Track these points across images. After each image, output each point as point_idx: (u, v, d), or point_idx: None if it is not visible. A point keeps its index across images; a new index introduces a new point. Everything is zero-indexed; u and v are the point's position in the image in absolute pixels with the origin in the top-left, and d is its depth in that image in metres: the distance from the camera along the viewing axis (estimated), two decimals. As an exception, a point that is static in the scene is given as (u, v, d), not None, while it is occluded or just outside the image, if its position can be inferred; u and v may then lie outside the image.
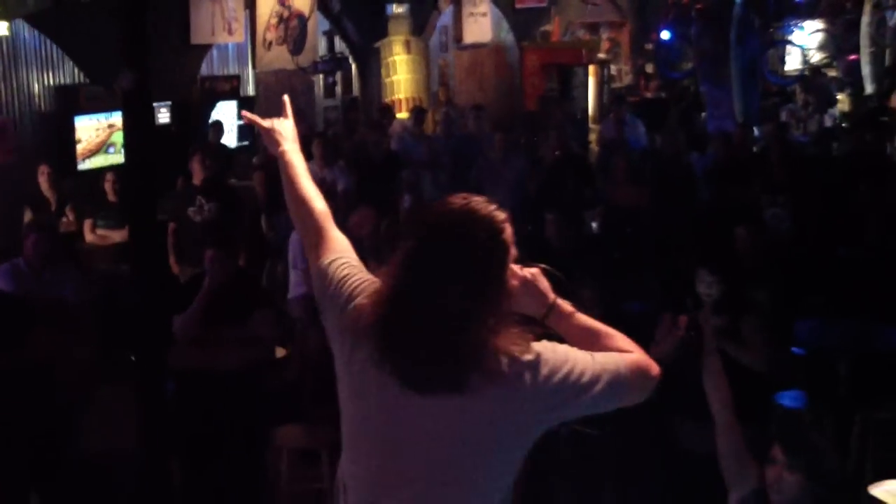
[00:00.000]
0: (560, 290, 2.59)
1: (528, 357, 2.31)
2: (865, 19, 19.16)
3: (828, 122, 16.82)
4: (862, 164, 11.05)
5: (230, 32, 13.44)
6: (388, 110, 14.27)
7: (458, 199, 2.41)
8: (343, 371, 2.49)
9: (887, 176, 10.58)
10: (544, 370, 2.32)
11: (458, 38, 18.36)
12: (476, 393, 2.27)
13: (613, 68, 21.52)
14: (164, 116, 12.17)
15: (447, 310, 2.27)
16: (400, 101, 16.31)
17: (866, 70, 19.26)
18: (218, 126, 12.45)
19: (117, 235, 9.53)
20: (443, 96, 16.71)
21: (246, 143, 13.36)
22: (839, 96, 18.89)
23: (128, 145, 6.00)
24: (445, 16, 18.00)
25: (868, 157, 11.68)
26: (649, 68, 21.13)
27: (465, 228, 2.34)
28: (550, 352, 2.36)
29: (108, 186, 10.10)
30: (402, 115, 15.21)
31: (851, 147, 12.22)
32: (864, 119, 15.10)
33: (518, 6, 19.43)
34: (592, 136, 16.53)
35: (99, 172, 10.74)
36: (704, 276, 5.95)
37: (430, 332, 2.27)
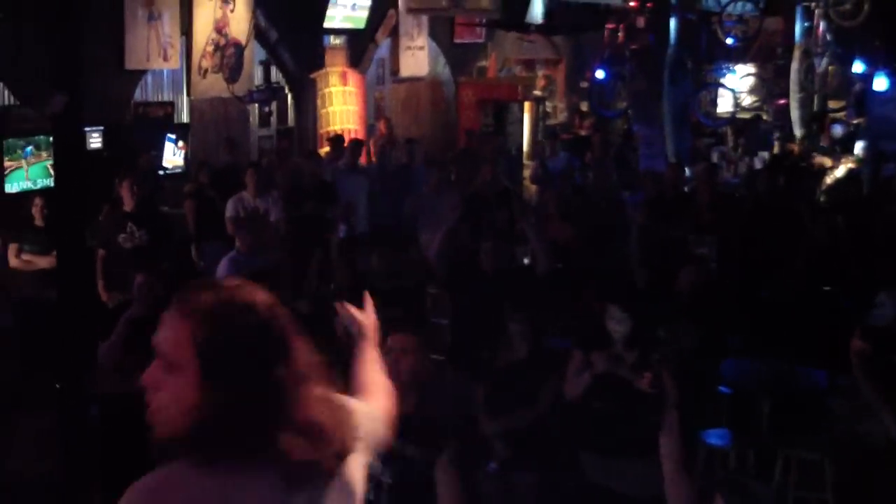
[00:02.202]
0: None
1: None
2: (795, 65, 19.57)
3: (758, 165, 17.12)
4: (777, 208, 11.29)
5: (165, 58, 13.37)
6: (340, 140, 14.24)
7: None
8: None
9: (801, 220, 10.83)
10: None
11: (395, 70, 18.41)
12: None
13: (549, 105, 21.70)
14: (95, 141, 12.04)
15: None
16: (335, 132, 16.31)
17: (795, 114, 19.64)
18: (151, 152, 12.37)
19: (44, 261, 9.39)
20: (384, 129, 16.78)
21: (178, 170, 13.27)
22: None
23: (57, 169, 5.95)
24: (382, 48, 18.06)
25: (781, 200, 11.94)
26: (584, 106, 21.34)
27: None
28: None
29: (35, 211, 9.96)
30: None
31: (765, 189, 12.48)
32: (777, 163, 15.43)
33: (455, 41, 19.55)
34: (526, 172, 16.66)
35: (26, 196, 10.60)
36: (615, 313, 6.03)
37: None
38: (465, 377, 6.60)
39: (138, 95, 13.51)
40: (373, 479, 4.34)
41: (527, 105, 19.22)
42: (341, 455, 2.32)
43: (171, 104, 13.96)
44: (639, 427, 5.60)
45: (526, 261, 9.96)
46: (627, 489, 5.51)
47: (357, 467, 2.42)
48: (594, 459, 5.76)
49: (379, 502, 4.80)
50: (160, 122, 13.38)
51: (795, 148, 17.62)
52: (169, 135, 13.26)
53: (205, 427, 2.16)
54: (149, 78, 13.71)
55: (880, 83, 14.85)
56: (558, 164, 14.61)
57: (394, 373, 4.50)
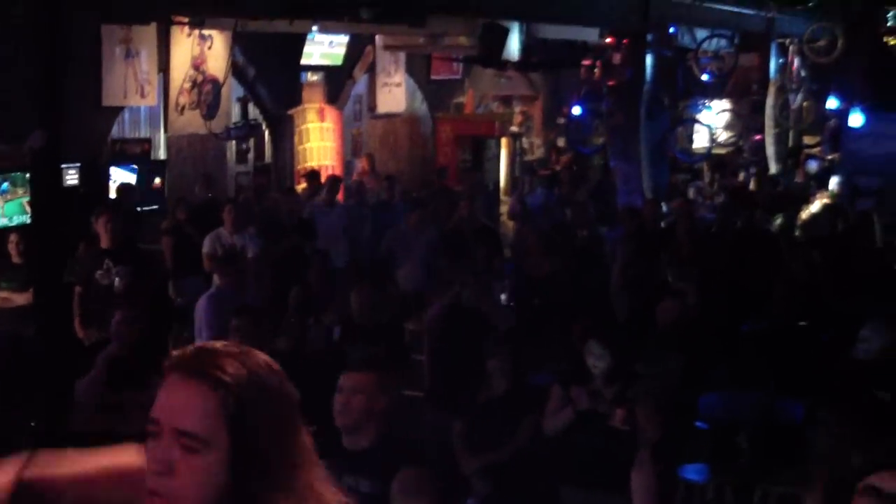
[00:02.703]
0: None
1: None
2: (770, 101, 19.75)
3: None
4: (752, 241, 11.39)
5: (143, 95, 13.37)
6: (316, 175, 14.24)
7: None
8: None
9: (779, 254, 10.93)
10: None
11: (372, 107, 18.47)
12: None
13: (525, 141, 21.79)
14: (72, 178, 12.00)
15: None
16: (312, 168, 16.32)
17: (770, 150, 19.81)
18: (126, 188, 12.33)
19: (20, 298, 9.32)
20: (367, 165, 16.78)
21: (154, 206, 13.22)
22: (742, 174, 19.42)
23: (35, 206, 5.93)
24: (360, 85, 18.11)
25: (757, 234, 12.05)
26: (561, 142, 21.44)
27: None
28: None
29: (11, 248, 9.90)
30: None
31: (742, 225, 12.58)
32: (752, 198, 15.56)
33: (433, 77, 19.63)
34: (503, 208, 16.70)
35: (1, 233, 10.53)
36: (594, 348, 6.05)
37: None
38: (444, 414, 6.58)
39: (115, 132, 13.49)
40: None
41: (504, 141, 19.30)
42: None
43: (149, 140, 13.94)
44: (618, 462, 5.60)
45: (503, 297, 9.98)
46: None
47: None
48: (575, 494, 5.75)
49: None
50: (138, 158, 13.35)
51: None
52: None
53: None
54: (126, 114, 13.70)
55: (855, 119, 15.00)
56: (536, 199, 14.66)
57: (345, 412, 4.49)
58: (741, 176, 18.82)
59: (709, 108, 21.66)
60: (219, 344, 2.02)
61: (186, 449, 1.89)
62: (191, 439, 1.89)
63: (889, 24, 19.43)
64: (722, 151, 20.22)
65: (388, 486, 4.35)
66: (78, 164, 12.08)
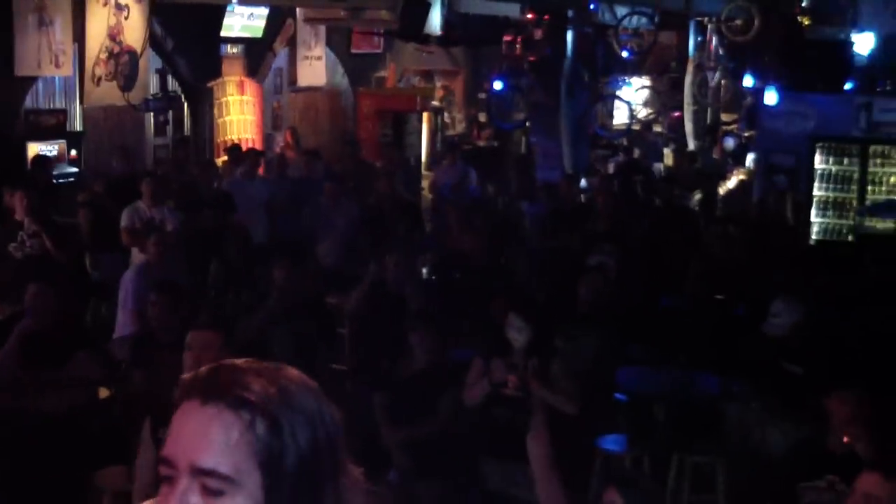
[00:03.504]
0: None
1: None
2: (688, 78, 20.00)
3: (655, 176, 17.41)
4: (672, 218, 11.56)
5: (57, 65, 13.10)
6: (238, 149, 14.10)
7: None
8: None
9: (695, 230, 11.11)
10: None
11: (293, 80, 18.33)
12: None
13: (447, 116, 21.81)
14: (-17, 150, 11.78)
15: None
16: (232, 141, 16.18)
17: (689, 127, 20.07)
18: (42, 160, 12.11)
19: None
20: (290, 138, 16.64)
21: (71, 179, 13.01)
22: (664, 151, 19.64)
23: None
24: (280, 58, 17.96)
25: (676, 211, 12.22)
26: (482, 117, 21.50)
27: None
28: None
29: (-79, 221, 9.70)
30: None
31: (663, 201, 12.77)
32: (675, 176, 15.80)
33: (353, 51, 19.53)
34: (425, 183, 16.70)
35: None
36: (514, 321, 6.11)
37: None
38: (366, 388, 6.59)
39: (29, 103, 13.22)
40: None
41: (425, 116, 19.28)
42: None
43: (64, 112, 13.68)
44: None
45: (425, 271, 10.00)
46: (528, 495, 5.56)
47: None
48: (494, 466, 5.80)
49: None
50: (52, 130, 13.10)
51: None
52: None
53: None
54: (40, 85, 13.42)
55: (770, 97, 15.21)
56: (457, 175, 14.68)
57: (197, 367, 4.49)
58: (636, 153, 19.10)
59: (629, 84, 21.87)
60: (241, 361, 1.66)
61: (209, 492, 1.53)
62: (213, 479, 1.53)
63: (803, 4, 19.74)
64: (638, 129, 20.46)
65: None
66: (-10, 135, 11.87)
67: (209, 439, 1.54)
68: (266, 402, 1.56)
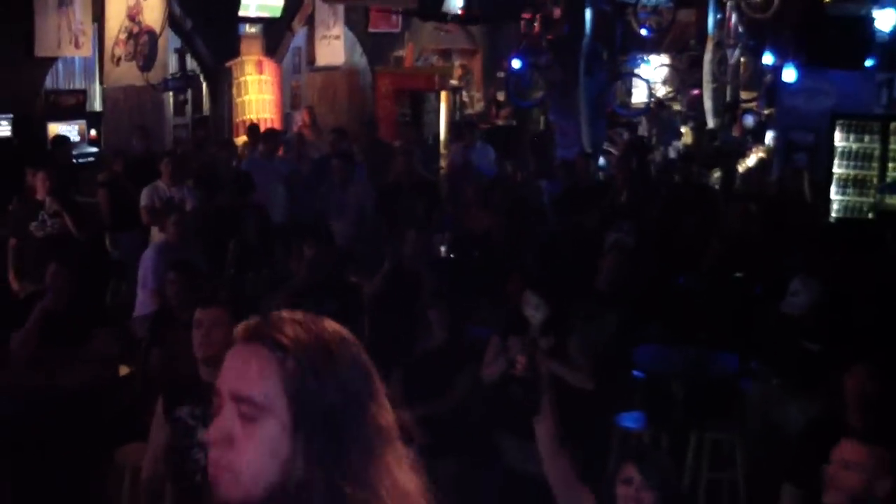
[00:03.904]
0: None
1: None
2: (708, 56, 19.89)
3: (672, 154, 17.37)
4: (690, 196, 11.52)
5: (77, 46, 13.14)
6: (256, 128, 14.11)
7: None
8: None
9: (714, 208, 11.06)
10: None
11: (311, 60, 18.33)
12: None
13: (465, 95, 21.76)
14: (4, 129, 11.83)
15: None
16: (251, 121, 16.19)
17: (708, 105, 19.98)
18: (62, 140, 12.16)
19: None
20: (308, 118, 16.65)
21: (91, 159, 13.07)
22: (683, 129, 19.56)
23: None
24: (299, 37, 17.96)
25: (695, 189, 12.17)
26: (500, 96, 21.45)
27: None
28: None
29: (-58, 200, 9.77)
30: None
31: (682, 179, 12.71)
32: (694, 154, 15.72)
33: (371, 30, 19.51)
34: (443, 162, 16.69)
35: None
36: (531, 299, 6.12)
37: None
38: (385, 366, 6.60)
39: (49, 83, 13.27)
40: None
41: (443, 95, 19.24)
42: None
43: (84, 92, 13.72)
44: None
45: (443, 249, 10.01)
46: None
47: None
48: (512, 443, 5.82)
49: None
50: (72, 110, 13.15)
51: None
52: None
53: (295, 487, 1.77)
54: (60, 66, 13.47)
55: (789, 75, 15.13)
56: (475, 154, 14.66)
57: (208, 343, 4.49)
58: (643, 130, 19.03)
59: (647, 62, 21.77)
60: (286, 312, 1.88)
61: (244, 417, 1.78)
62: (248, 405, 1.78)
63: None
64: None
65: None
66: (10, 115, 11.91)
67: (246, 371, 1.80)
68: (297, 345, 1.80)
